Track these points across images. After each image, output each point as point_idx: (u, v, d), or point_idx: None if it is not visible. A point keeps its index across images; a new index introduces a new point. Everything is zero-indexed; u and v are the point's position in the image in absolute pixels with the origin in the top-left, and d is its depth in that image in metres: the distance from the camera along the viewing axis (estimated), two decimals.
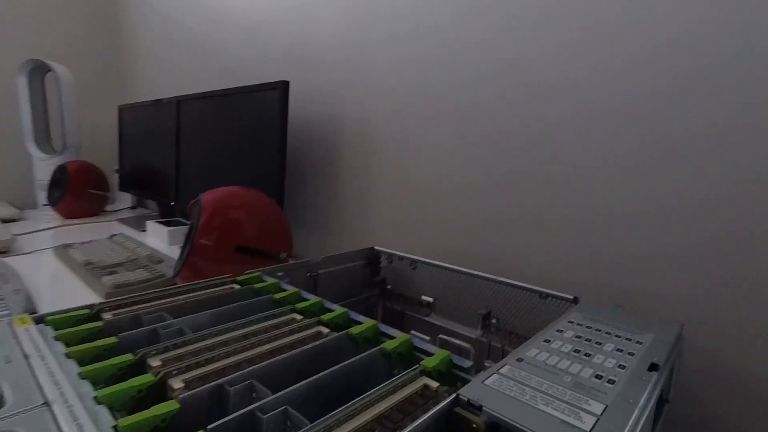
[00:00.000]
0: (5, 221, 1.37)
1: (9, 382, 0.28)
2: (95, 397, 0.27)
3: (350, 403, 0.28)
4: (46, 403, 0.26)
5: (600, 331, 0.40)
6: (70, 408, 0.25)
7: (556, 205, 0.64)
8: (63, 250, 0.98)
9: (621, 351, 0.36)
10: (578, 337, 0.39)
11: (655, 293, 0.56)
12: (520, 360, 0.34)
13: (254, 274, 0.52)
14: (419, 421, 0.26)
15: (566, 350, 0.36)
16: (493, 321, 0.57)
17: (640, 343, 0.38)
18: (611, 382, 0.32)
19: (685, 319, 0.53)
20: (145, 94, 1.81)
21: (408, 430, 0.25)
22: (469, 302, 0.60)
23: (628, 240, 0.58)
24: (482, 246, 0.74)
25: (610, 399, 0.29)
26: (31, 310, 0.66)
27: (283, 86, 0.91)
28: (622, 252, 0.58)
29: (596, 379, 0.32)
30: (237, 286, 0.49)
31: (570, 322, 0.42)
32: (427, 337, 0.61)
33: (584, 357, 0.35)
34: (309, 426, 0.25)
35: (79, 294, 0.76)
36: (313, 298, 0.46)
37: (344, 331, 0.38)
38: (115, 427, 0.25)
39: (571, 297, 0.50)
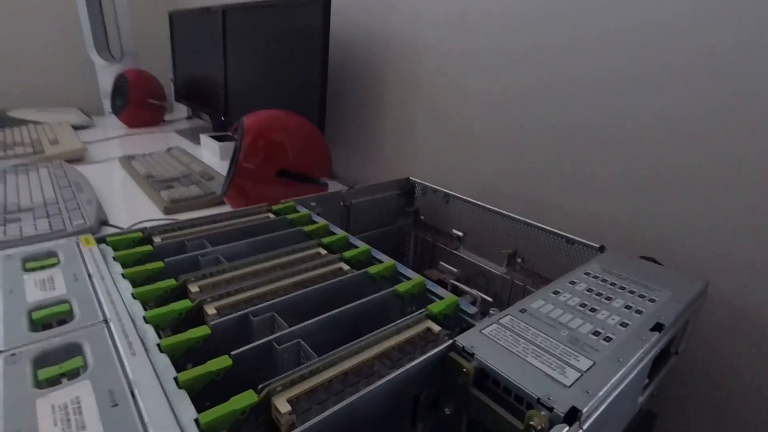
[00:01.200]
0: (76, 128, 1.49)
1: (77, 299, 0.33)
2: (144, 317, 0.32)
3: (357, 341, 0.31)
4: (105, 320, 0.31)
5: (614, 285, 0.41)
6: (123, 327, 0.30)
7: (600, 159, 0.61)
8: (127, 162, 1.07)
9: (629, 308, 0.37)
10: (589, 290, 0.40)
11: (693, 250, 0.54)
12: (522, 311, 0.36)
13: (288, 204, 0.55)
14: (415, 362, 0.29)
15: (573, 303, 0.37)
16: (519, 260, 0.58)
17: (653, 301, 0.38)
18: (607, 339, 0.33)
19: (719, 276, 0.51)
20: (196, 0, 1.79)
21: (403, 369, 0.29)
22: (497, 240, 0.61)
23: (672, 198, 0.54)
24: (516, 188, 0.73)
25: (600, 356, 0.31)
26: (102, 219, 0.75)
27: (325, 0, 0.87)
28: (665, 210, 0.55)
29: (593, 336, 0.33)
30: (272, 216, 0.53)
31: (586, 273, 0.43)
32: (455, 270, 0.64)
33: (588, 312, 0.36)
34: (316, 359, 0.29)
35: (142, 205, 0.85)
36: (339, 233, 0.49)
37: (363, 270, 0.41)
38: (158, 345, 0.30)
39: (597, 246, 0.49)
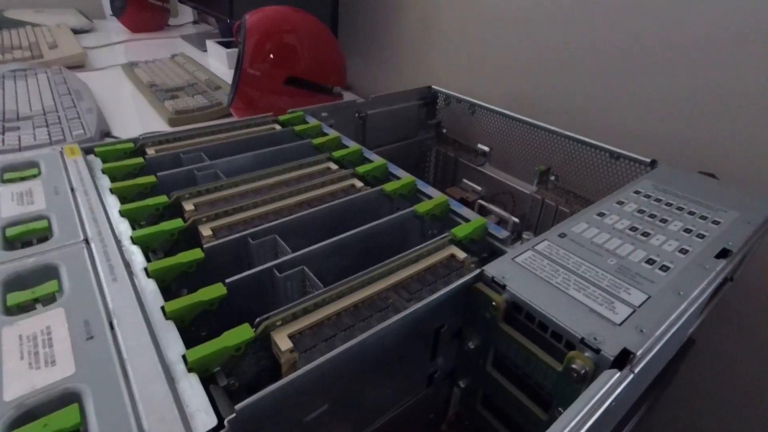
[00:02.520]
0: (76, 32, 1.39)
1: (57, 215, 0.30)
2: (131, 238, 0.29)
3: (370, 269, 0.27)
4: (86, 240, 0.27)
5: (671, 205, 0.35)
6: (105, 248, 0.27)
7: (652, 72, 0.51)
8: (130, 68, 1.00)
9: (689, 232, 0.32)
10: (641, 211, 0.34)
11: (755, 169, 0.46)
12: (562, 236, 0.31)
13: (296, 114, 0.49)
14: (437, 294, 0.25)
15: (621, 227, 0.32)
16: (552, 178, 0.52)
17: (717, 223, 0.33)
18: (664, 269, 0.28)
19: None
20: None
21: (424, 302, 0.25)
22: (529, 155, 0.55)
23: (733, 114, 0.46)
24: (550, 95, 0.64)
25: (655, 289, 0.26)
26: (104, 130, 0.71)
27: None
28: (725, 126, 0.47)
29: (647, 265, 0.28)
30: (278, 127, 0.47)
31: (636, 192, 0.37)
32: (480, 188, 0.58)
33: (640, 237, 0.31)
34: (322, 290, 0.25)
35: (146, 116, 0.79)
36: (352, 146, 0.43)
37: (378, 187, 0.36)
38: (146, 269, 0.26)
39: (648, 160, 0.43)
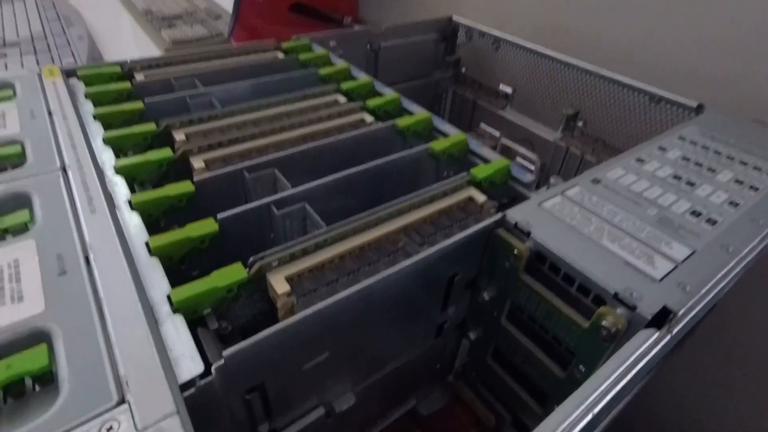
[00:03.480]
0: None
1: (32, 141, 0.27)
2: (114, 168, 0.26)
3: (377, 208, 0.24)
4: (63, 168, 0.25)
5: (719, 154, 0.31)
6: (84, 177, 0.24)
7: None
8: None
9: (740, 183, 0.28)
10: (686, 159, 0.30)
11: None
12: (596, 181, 0.27)
13: (302, 42, 0.45)
14: (452, 239, 0.23)
15: (663, 175, 0.28)
16: (579, 124, 0.48)
17: None
18: (712, 222, 0.25)
19: None
20: None
21: (437, 247, 0.22)
22: (556, 98, 0.50)
23: None
24: (584, 30, 0.58)
25: (701, 243, 0.23)
26: (96, 57, 0.66)
27: None
28: None
29: (692, 217, 0.25)
30: (281, 55, 0.43)
31: (681, 138, 0.33)
32: (497, 133, 0.54)
33: (685, 186, 0.28)
34: (324, 229, 0.22)
35: (141, 45, 0.75)
36: (362, 78, 0.39)
37: (391, 122, 0.32)
38: (129, 202, 0.24)
39: (694, 104, 0.38)
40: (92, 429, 0.14)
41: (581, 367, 0.23)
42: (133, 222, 0.23)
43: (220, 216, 0.23)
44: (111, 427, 0.14)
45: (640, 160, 0.30)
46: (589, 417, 0.16)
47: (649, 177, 0.28)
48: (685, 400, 0.55)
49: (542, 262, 0.24)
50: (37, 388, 0.16)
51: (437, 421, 0.33)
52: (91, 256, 0.20)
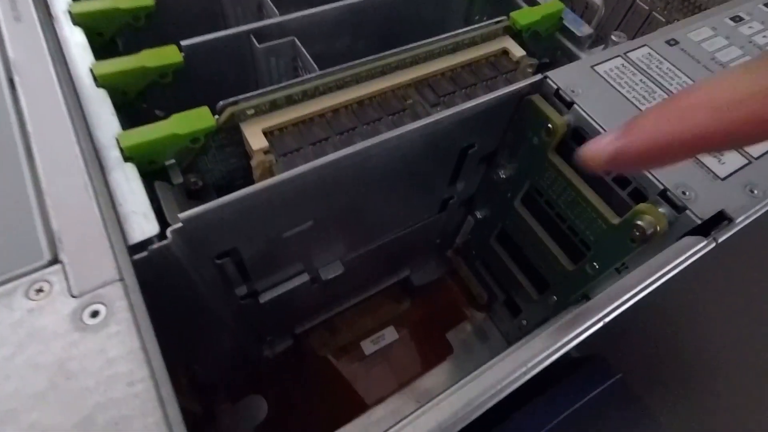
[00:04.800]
0: None
1: None
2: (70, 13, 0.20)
3: (386, 53, 0.19)
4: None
5: None
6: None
7: None
8: None
9: None
10: None
11: None
12: (672, 42, 0.21)
13: None
14: (474, 102, 0.18)
15: (763, 42, 0.22)
16: None
17: None
18: None
19: None
20: None
21: (454, 110, 0.18)
22: None
23: None
24: None
25: None
26: None
27: None
28: None
29: None
30: None
31: None
32: None
33: None
34: (317, 73, 0.18)
35: None
36: None
37: None
38: (69, 12, 0.18)
39: None
40: (18, 289, 0.12)
41: (595, 264, 0.20)
42: (75, 40, 0.18)
43: (184, 43, 0.18)
44: (41, 289, 0.12)
45: (737, 19, 0.23)
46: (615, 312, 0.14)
47: (743, 43, 0.22)
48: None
49: (579, 142, 0.19)
50: None
51: (429, 293, 0.32)
52: (17, 80, 0.16)
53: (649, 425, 0.25)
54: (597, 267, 0.20)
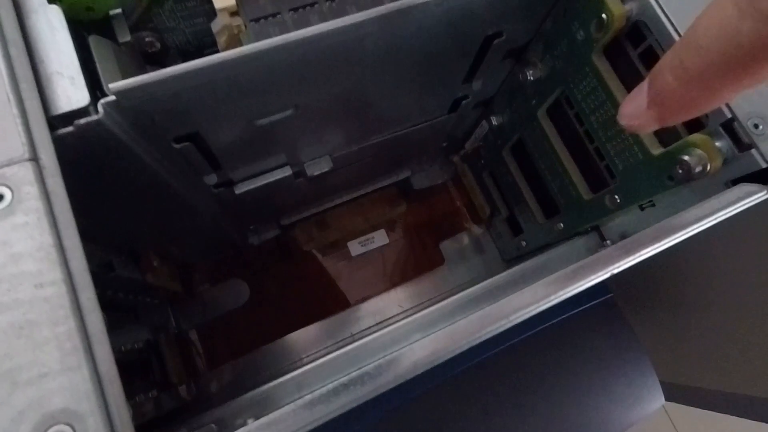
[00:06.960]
0: None
1: None
2: None
3: None
4: None
5: None
6: None
7: None
8: None
9: None
10: None
11: None
12: None
13: None
14: None
15: None
16: None
17: None
18: None
19: None
20: None
21: None
22: None
23: None
24: None
25: None
26: None
27: None
28: None
29: None
30: None
31: None
32: None
33: None
34: None
35: None
36: None
37: None
38: None
39: None
40: None
41: (617, 197, 0.18)
42: None
43: None
44: None
45: None
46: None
47: None
48: None
49: (635, 44, 0.15)
50: None
51: (427, 199, 0.30)
52: None
53: (631, 347, 0.24)
54: (618, 201, 0.18)
